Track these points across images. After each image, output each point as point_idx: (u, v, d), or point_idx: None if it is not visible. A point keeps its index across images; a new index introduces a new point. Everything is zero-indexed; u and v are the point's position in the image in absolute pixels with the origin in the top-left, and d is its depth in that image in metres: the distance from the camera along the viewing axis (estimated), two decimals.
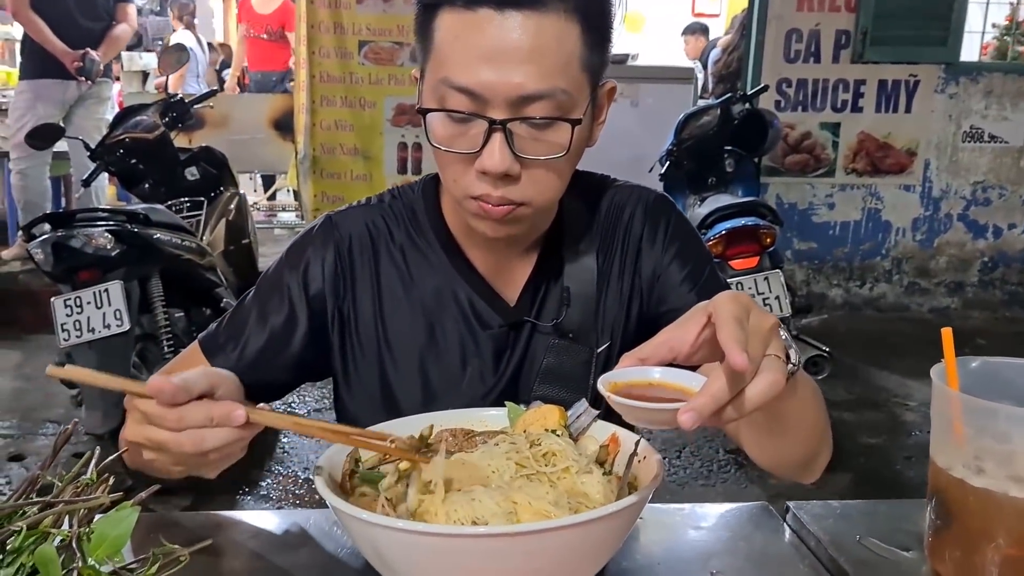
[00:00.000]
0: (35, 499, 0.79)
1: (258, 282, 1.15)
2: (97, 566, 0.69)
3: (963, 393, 0.84)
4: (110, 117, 5.04)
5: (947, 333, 0.85)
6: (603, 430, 0.96)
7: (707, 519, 1.06)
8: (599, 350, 1.11)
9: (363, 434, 0.89)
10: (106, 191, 5.28)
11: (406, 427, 0.98)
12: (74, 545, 0.73)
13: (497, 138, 0.94)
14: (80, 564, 0.70)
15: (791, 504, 1.04)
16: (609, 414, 1.03)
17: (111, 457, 0.86)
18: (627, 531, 0.84)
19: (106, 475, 0.84)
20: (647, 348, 0.77)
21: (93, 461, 0.85)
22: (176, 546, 0.79)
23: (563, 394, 1.07)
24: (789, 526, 1.03)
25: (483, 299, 1.12)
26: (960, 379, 0.86)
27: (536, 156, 0.96)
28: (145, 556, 0.77)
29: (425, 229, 1.14)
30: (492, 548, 0.75)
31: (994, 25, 5.76)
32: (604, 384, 0.77)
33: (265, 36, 7.29)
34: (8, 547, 0.74)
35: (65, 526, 0.78)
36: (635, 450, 0.88)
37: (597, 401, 1.07)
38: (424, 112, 0.97)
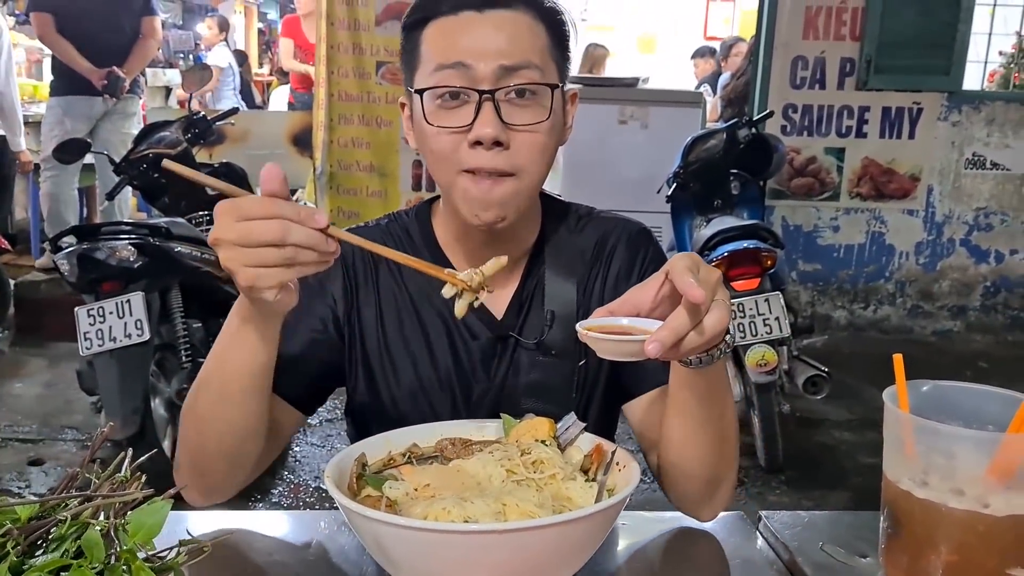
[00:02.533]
0: (76, 493, 0.89)
1: None
2: (135, 550, 0.78)
3: (913, 414, 0.93)
4: (136, 131, 5.18)
5: (898, 359, 0.94)
6: (588, 441, 1.06)
7: (686, 527, 1.15)
8: (579, 363, 1.21)
9: (429, 267, 0.98)
10: (129, 203, 5.41)
11: (410, 436, 1.08)
12: (112, 534, 0.83)
13: (487, 107, 1.07)
14: (118, 549, 0.79)
15: (763, 513, 1.13)
16: (588, 418, 1.13)
17: (143, 457, 0.96)
18: (605, 531, 0.93)
19: (138, 473, 0.94)
20: (614, 304, 0.95)
21: (127, 460, 0.95)
22: (199, 538, 0.89)
23: (548, 406, 1.16)
24: (760, 534, 1.11)
25: (472, 312, 1.21)
26: (912, 401, 0.95)
27: (523, 122, 1.09)
28: (173, 546, 0.87)
29: (419, 247, 1.24)
30: (482, 543, 0.85)
31: (1001, 53, 5.84)
32: (581, 326, 0.92)
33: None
34: (52, 535, 0.84)
35: (101, 518, 0.88)
36: (611, 459, 0.97)
37: (583, 414, 1.17)
38: (421, 92, 1.10)
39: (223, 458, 1.11)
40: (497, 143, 1.07)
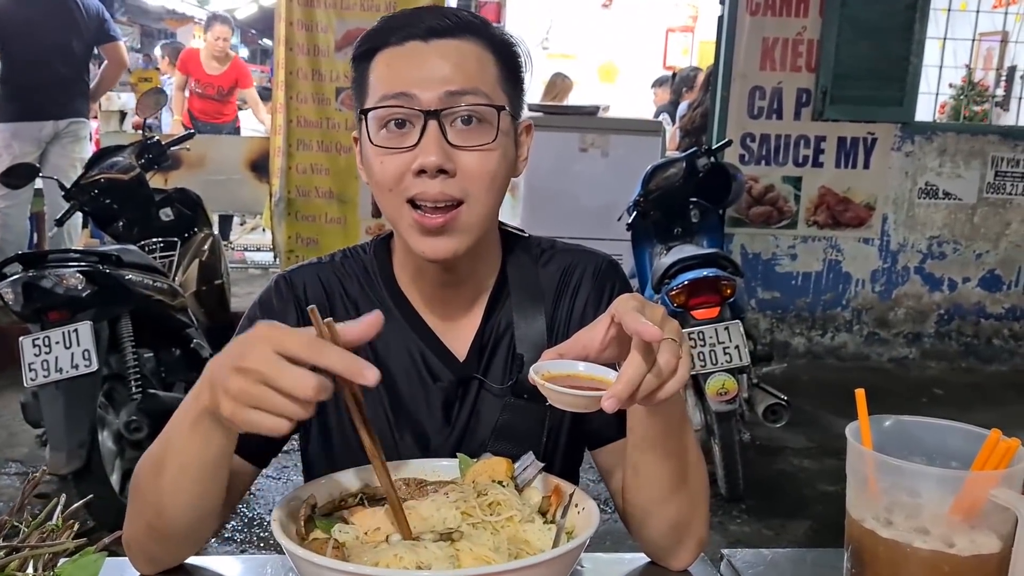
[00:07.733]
0: (2, 544, 0.84)
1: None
2: None
3: (876, 451, 0.91)
4: (88, 155, 5.09)
5: (860, 394, 0.92)
6: (546, 482, 1.02)
7: (646, 568, 1.12)
8: (546, 403, 1.17)
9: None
10: (79, 229, 5.29)
11: (363, 476, 1.04)
12: None
13: (432, 128, 1.05)
14: None
15: (725, 551, 1.10)
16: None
17: (77, 504, 0.91)
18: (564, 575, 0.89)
19: (71, 521, 0.88)
20: (564, 346, 0.93)
21: (59, 507, 0.89)
22: None
23: (516, 449, 1.12)
24: (722, 574, 1.08)
25: (434, 354, 1.17)
26: (874, 437, 0.93)
27: (468, 144, 1.06)
28: None
29: (378, 286, 1.20)
30: None
31: (951, 85, 5.98)
32: (536, 373, 0.90)
33: (215, 96, 7.34)
34: None
35: (30, 570, 0.82)
36: (570, 501, 0.94)
37: (544, 455, 1.14)
38: (365, 112, 1.08)
39: (181, 532, 1.03)
40: (442, 171, 1.04)
